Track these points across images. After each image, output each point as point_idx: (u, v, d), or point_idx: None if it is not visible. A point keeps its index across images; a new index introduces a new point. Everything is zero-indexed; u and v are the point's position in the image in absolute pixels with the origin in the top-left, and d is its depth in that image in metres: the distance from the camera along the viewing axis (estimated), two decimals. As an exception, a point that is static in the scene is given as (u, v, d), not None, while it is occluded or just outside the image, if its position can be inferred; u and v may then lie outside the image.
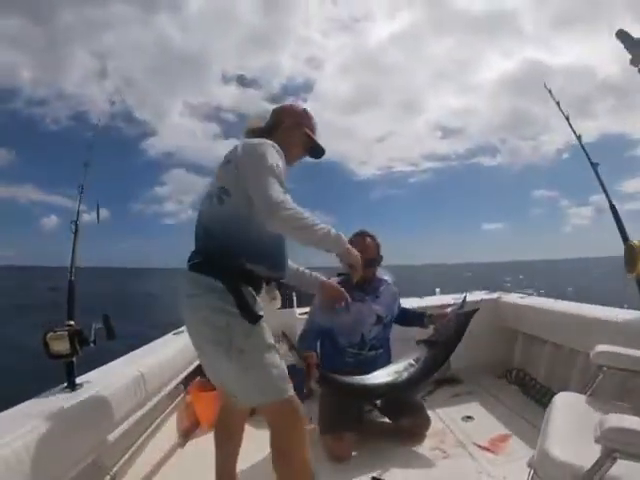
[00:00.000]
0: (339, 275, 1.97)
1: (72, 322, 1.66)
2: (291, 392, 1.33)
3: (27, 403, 1.48)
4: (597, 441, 1.02)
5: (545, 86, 2.45)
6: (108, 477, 1.64)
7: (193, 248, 1.44)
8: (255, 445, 1.81)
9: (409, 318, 2.42)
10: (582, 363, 2.25)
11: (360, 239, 2.24)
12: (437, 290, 3.59)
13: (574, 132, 2.27)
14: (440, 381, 2.90)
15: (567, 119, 2.31)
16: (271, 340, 1.37)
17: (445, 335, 2.15)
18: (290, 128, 1.58)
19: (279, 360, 1.35)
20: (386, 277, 3.23)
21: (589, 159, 2.19)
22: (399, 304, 2.44)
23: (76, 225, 1.82)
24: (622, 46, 1.55)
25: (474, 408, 2.54)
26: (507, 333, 3.06)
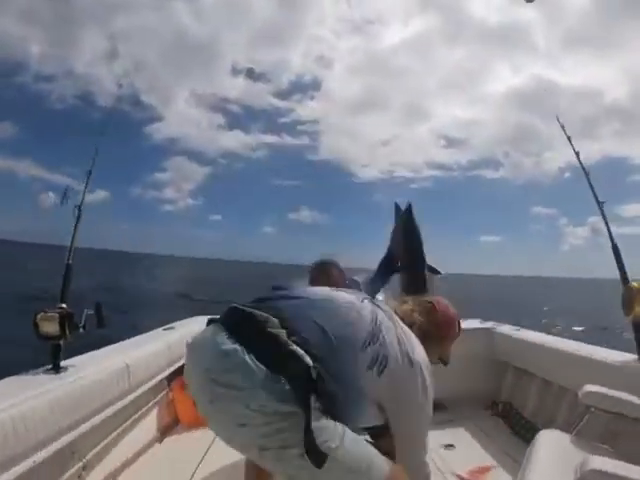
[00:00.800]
0: None
1: (64, 305, 1.67)
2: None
3: (7, 380, 1.48)
4: None
5: (558, 120, 2.46)
6: (80, 463, 1.62)
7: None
8: None
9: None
10: (570, 401, 2.22)
11: (323, 273, 1.96)
12: None
13: (583, 169, 2.26)
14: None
15: (577, 155, 2.32)
16: None
17: (400, 249, 1.98)
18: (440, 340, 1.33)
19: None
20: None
21: (596, 198, 2.19)
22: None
23: (79, 210, 1.83)
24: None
25: (456, 437, 2.50)
26: (497, 364, 3.03)
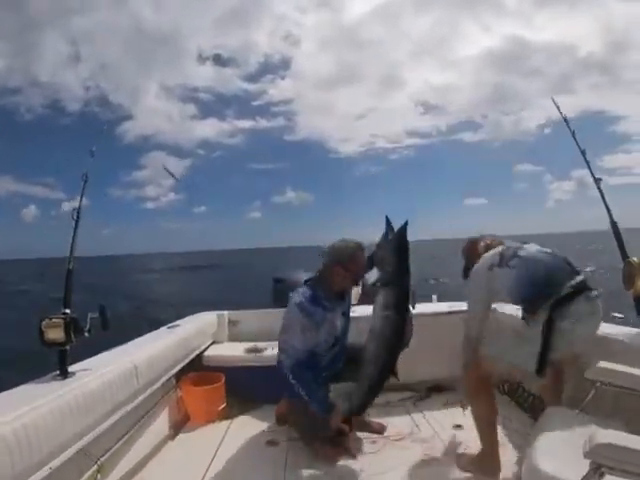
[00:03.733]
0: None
1: (68, 311, 1.66)
2: None
3: (18, 389, 1.49)
4: (586, 456, 1.02)
5: (567, 124, 2.41)
6: (95, 466, 1.64)
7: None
8: None
9: None
10: (575, 378, 2.25)
11: (362, 256, 2.16)
12: (434, 297, 3.57)
13: (588, 165, 2.24)
14: (432, 388, 2.89)
15: (583, 154, 2.29)
16: None
17: (388, 267, 1.98)
18: None
19: None
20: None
21: (594, 177, 2.18)
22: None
23: (77, 214, 1.81)
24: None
25: (465, 417, 2.53)
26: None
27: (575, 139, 2.26)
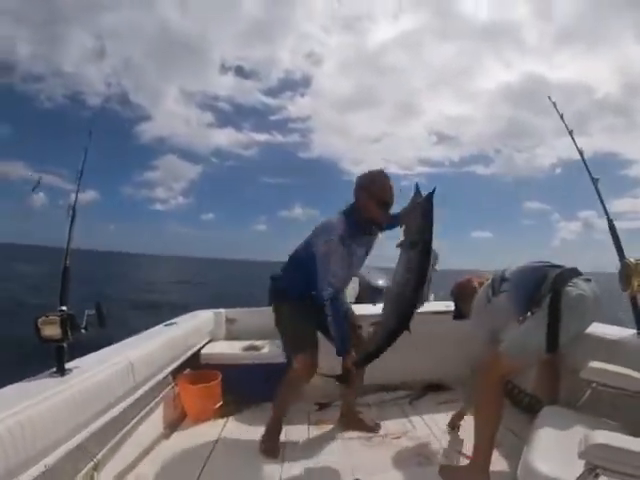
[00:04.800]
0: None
1: (64, 307, 1.66)
2: None
3: (15, 385, 1.48)
4: (581, 457, 1.03)
5: (550, 99, 2.46)
6: (92, 463, 1.64)
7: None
8: None
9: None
10: (571, 378, 2.26)
11: (388, 182, 2.12)
12: (431, 296, 3.59)
13: (577, 146, 2.26)
14: (428, 387, 2.90)
15: (570, 133, 2.32)
16: None
17: (415, 228, 1.96)
18: None
19: None
20: (380, 281, 3.22)
21: (590, 174, 2.19)
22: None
23: (73, 211, 1.81)
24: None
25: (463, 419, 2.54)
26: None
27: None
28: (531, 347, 1.74)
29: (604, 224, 2.13)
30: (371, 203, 2.09)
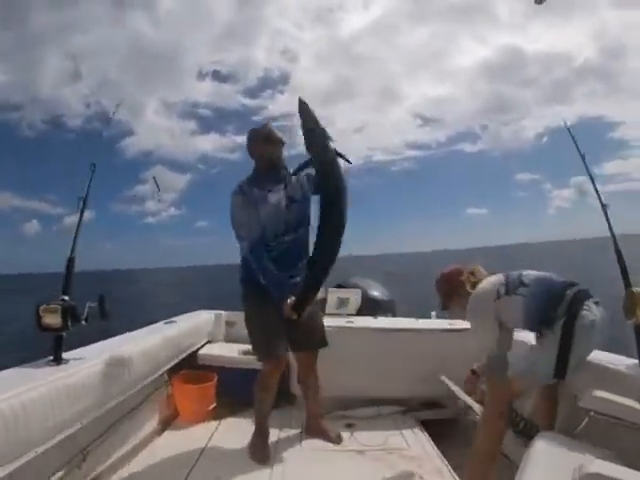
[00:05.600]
0: None
1: (66, 297, 1.68)
2: None
3: (10, 371, 1.50)
4: None
5: (569, 131, 2.42)
6: (80, 455, 1.64)
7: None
8: None
9: None
10: (568, 405, 2.22)
11: (265, 125, 2.19)
12: (433, 314, 3.55)
13: (589, 174, 2.24)
14: (424, 404, 2.86)
15: (583, 158, 2.29)
16: None
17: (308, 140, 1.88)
18: None
19: None
20: (376, 292, 3.19)
21: (600, 198, 2.17)
22: (313, 177, 2.17)
23: (84, 202, 1.84)
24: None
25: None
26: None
27: (576, 145, 2.24)
28: (540, 372, 1.74)
29: (599, 188, 2.16)
30: (256, 145, 2.16)
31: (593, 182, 2.19)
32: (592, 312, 1.73)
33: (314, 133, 1.87)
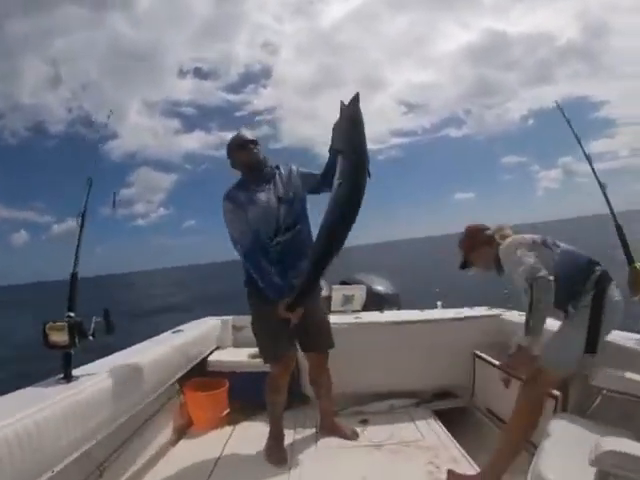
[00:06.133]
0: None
1: (72, 314, 1.67)
2: None
3: (22, 391, 1.49)
4: (592, 464, 1.01)
5: (562, 113, 2.41)
6: (97, 471, 1.64)
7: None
8: None
9: (327, 168, 2.07)
10: (581, 384, 2.22)
11: (239, 133, 2.18)
12: (439, 303, 3.55)
13: (586, 155, 2.23)
14: (437, 395, 2.87)
15: (579, 142, 2.29)
16: None
17: (342, 135, 1.86)
18: None
19: None
20: (381, 287, 3.17)
21: (599, 182, 2.16)
22: (305, 174, 2.20)
23: (82, 217, 1.84)
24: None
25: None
26: (506, 351, 3.02)
27: (571, 126, 2.26)
28: (572, 354, 1.70)
29: (585, 167, 2.20)
30: (233, 155, 2.18)
31: (590, 163, 2.19)
32: (617, 292, 1.76)
33: (360, 132, 1.85)
